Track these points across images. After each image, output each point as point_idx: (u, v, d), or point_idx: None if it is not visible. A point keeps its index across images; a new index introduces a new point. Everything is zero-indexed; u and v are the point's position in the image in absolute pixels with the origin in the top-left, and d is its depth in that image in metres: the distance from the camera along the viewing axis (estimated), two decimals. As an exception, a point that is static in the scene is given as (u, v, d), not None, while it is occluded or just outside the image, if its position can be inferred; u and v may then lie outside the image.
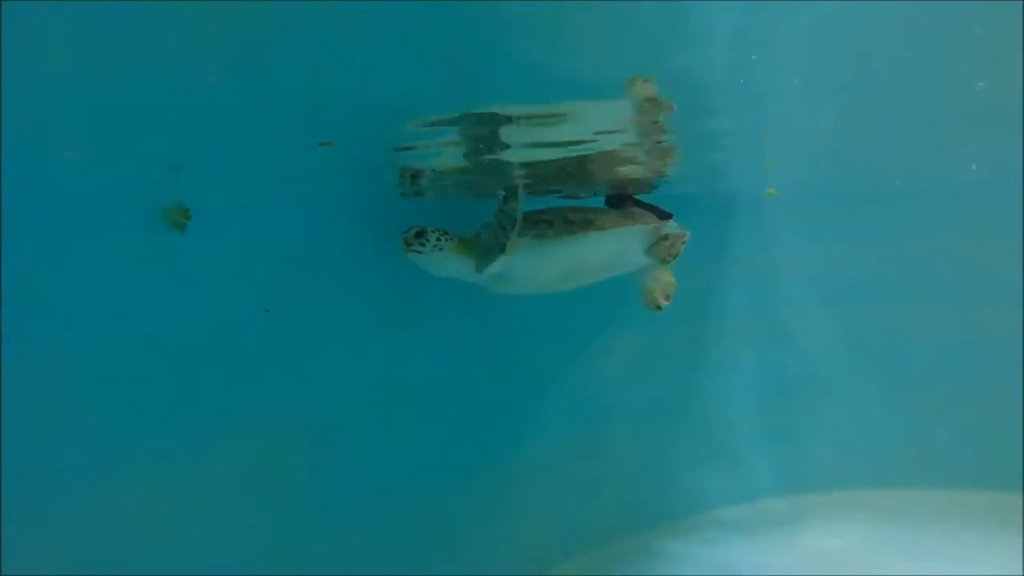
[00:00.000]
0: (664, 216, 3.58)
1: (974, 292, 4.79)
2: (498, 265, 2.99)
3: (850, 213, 4.87)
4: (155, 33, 1.63)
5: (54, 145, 2.19)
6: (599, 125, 2.82)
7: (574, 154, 3.14)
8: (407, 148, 2.86)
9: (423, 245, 2.94)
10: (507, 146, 2.87)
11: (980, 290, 4.79)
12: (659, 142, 3.18)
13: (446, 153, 2.96)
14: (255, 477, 2.90)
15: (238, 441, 2.83)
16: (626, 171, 3.57)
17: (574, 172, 3.43)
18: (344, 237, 3.22)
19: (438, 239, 2.96)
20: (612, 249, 3.34)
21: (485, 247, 2.99)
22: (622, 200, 3.77)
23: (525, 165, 3.20)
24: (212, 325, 2.76)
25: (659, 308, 3.51)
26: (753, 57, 2.44)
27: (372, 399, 3.32)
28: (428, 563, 3.43)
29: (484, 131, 2.71)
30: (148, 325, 2.58)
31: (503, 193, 2.94)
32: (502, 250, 2.91)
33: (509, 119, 2.56)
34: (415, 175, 3.26)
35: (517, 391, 3.97)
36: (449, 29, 1.81)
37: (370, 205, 3.34)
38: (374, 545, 3.27)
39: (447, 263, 3.05)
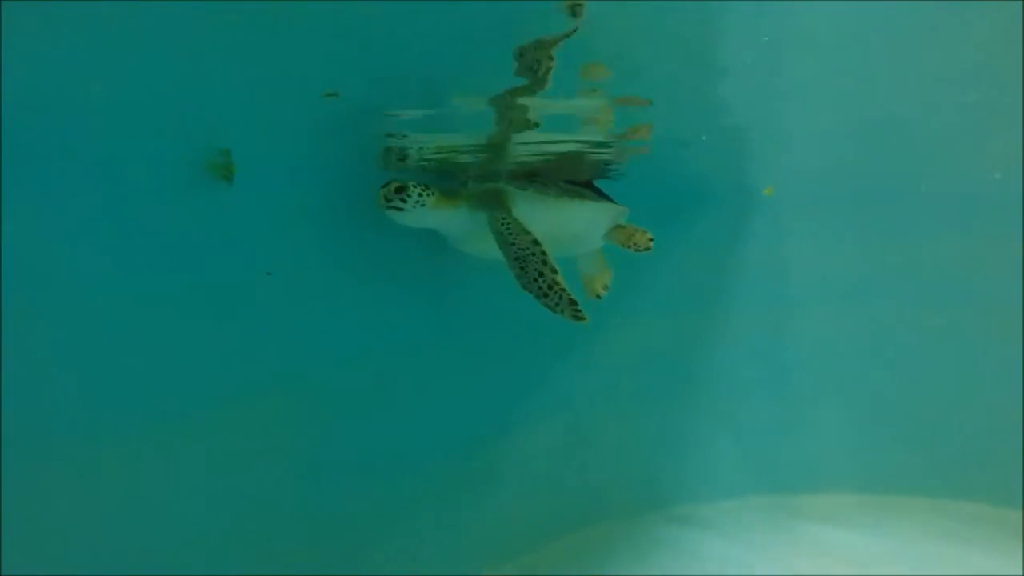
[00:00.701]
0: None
1: (982, 302, 4.70)
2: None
3: (870, 216, 4.80)
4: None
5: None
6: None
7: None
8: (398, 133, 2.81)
9: (404, 201, 2.77)
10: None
11: (988, 300, 4.70)
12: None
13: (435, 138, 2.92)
14: (246, 462, 2.79)
15: (231, 426, 2.73)
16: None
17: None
18: (329, 208, 3.09)
19: (420, 194, 2.79)
20: (589, 222, 3.44)
21: (519, 267, 2.74)
22: (584, 186, 3.81)
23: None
24: (196, 295, 2.65)
25: (598, 297, 3.68)
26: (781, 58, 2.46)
27: (354, 373, 3.20)
28: (398, 546, 3.36)
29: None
30: (138, 298, 2.47)
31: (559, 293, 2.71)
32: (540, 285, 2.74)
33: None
34: (401, 156, 3.19)
35: (513, 373, 3.96)
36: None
37: (356, 174, 3.20)
38: (353, 530, 3.19)
39: (428, 218, 2.90)
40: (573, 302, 2.67)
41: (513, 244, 2.76)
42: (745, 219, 4.72)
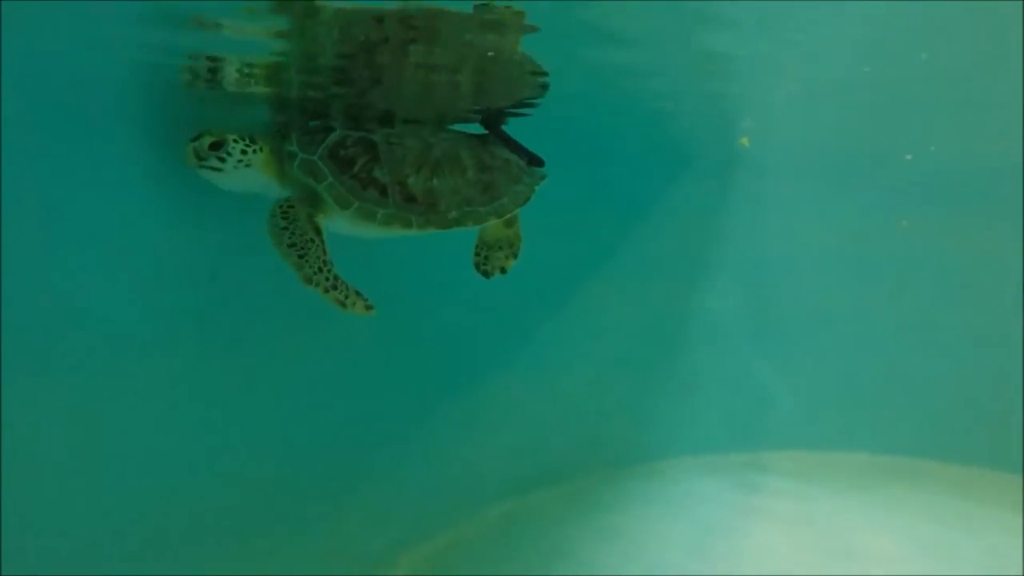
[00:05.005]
0: (536, 161, 2.95)
1: (981, 275, 4.68)
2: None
3: (856, 184, 4.72)
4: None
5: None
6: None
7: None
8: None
9: (223, 160, 2.19)
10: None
11: (988, 273, 4.67)
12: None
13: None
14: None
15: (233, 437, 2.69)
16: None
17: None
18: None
19: (244, 151, 2.21)
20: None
21: (297, 254, 2.26)
22: (494, 128, 3.02)
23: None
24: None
25: (503, 271, 2.98)
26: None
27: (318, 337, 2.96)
28: (375, 489, 3.31)
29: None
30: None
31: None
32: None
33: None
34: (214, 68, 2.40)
35: (488, 330, 3.82)
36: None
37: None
38: (306, 498, 3.05)
39: (251, 180, 2.31)
40: (359, 293, 2.31)
41: (286, 229, 2.27)
42: (730, 183, 4.58)
